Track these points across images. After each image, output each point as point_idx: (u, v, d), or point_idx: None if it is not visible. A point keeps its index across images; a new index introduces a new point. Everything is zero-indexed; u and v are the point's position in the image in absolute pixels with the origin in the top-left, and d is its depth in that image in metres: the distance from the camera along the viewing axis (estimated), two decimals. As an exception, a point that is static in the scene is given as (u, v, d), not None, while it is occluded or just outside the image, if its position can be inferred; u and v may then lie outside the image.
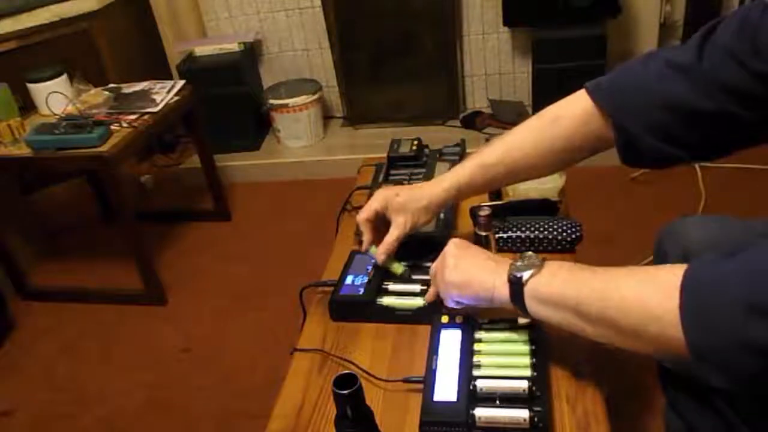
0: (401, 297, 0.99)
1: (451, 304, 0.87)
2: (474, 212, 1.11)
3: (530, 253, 0.79)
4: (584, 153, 0.92)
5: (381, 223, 1.03)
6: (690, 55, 0.78)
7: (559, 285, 0.73)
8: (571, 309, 0.72)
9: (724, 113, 0.75)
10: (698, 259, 0.63)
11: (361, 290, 1.00)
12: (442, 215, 1.13)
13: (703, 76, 0.76)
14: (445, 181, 0.98)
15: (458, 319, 0.89)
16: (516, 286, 0.76)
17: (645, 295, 0.65)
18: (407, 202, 0.99)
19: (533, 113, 0.97)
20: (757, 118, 0.75)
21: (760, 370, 0.58)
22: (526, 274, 0.75)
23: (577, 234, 1.07)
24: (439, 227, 1.12)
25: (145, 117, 2.02)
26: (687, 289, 0.61)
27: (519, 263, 0.77)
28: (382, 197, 1.01)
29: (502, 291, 0.78)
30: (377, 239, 1.03)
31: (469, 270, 0.83)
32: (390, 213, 1.00)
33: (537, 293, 0.75)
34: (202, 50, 2.82)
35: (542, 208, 1.13)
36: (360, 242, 1.11)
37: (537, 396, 0.76)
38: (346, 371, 0.67)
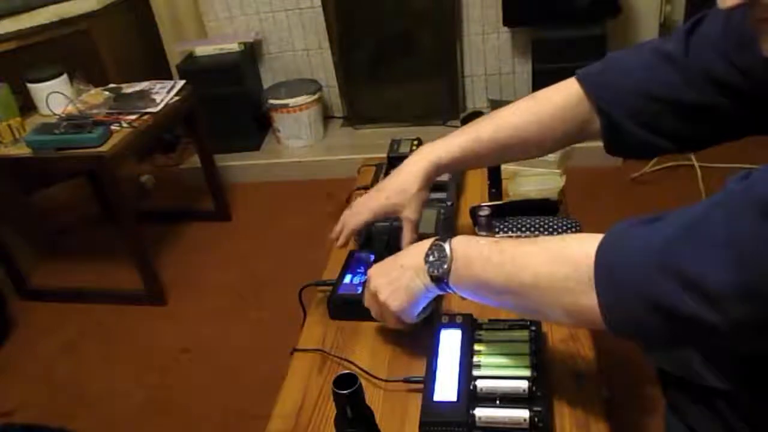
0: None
1: (412, 320, 0.87)
2: (474, 212, 1.11)
3: (437, 242, 0.79)
4: (568, 138, 0.93)
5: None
6: (677, 45, 0.78)
7: (477, 273, 0.74)
8: (491, 291, 0.74)
9: (710, 104, 0.76)
10: (615, 225, 0.64)
11: (360, 289, 1.00)
12: (442, 216, 1.14)
13: (689, 65, 0.77)
14: (428, 158, 0.97)
15: (458, 319, 0.89)
16: (440, 282, 0.78)
17: (556, 270, 0.66)
18: (400, 198, 0.98)
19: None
20: (742, 110, 0.75)
21: (677, 335, 0.59)
22: (444, 270, 0.76)
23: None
24: (438, 227, 1.11)
25: (145, 117, 2.02)
26: (603, 251, 0.62)
27: (431, 258, 0.78)
28: (373, 208, 1.00)
29: (433, 287, 0.80)
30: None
31: (401, 289, 0.83)
32: (391, 215, 1.00)
33: (459, 282, 0.77)
34: (202, 50, 2.82)
35: (542, 208, 1.13)
36: (357, 243, 1.11)
37: (537, 396, 0.76)
38: (346, 371, 0.67)
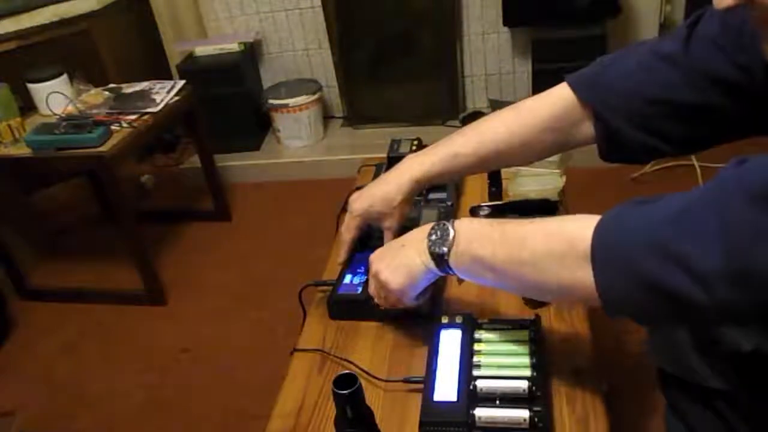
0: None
1: (413, 302, 0.87)
2: (474, 212, 1.11)
3: (441, 222, 0.79)
4: (558, 146, 0.92)
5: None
6: (677, 45, 0.78)
7: (477, 251, 0.75)
8: (489, 270, 0.74)
9: (709, 104, 0.76)
10: (613, 207, 0.65)
11: (359, 289, 1.00)
12: (442, 216, 1.13)
13: (690, 65, 0.76)
14: (415, 171, 0.97)
15: (458, 319, 0.89)
16: (440, 261, 0.78)
17: (553, 248, 0.67)
18: (384, 207, 0.99)
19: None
20: (742, 111, 0.75)
21: (668, 313, 0.60)
22: (445, 249, 0.77)
23: (577, 234, 1.06)
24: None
25: (145, 117, 2.02)
26: (600, 230, 0.63)
27: (434, 237, 0.79)
28: (358, 214, 1.02)
29: (433, 267, 0.80)
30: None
31: (401, 267, 0.83)
32: (374, 223, 1.02)
33: (459, 262, 0.77)
34: (202, 50, 2.82)
35: (542, 208, 1.13)
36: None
37: (537, 396, 0.76)
38: (346, 371, 0.67)
